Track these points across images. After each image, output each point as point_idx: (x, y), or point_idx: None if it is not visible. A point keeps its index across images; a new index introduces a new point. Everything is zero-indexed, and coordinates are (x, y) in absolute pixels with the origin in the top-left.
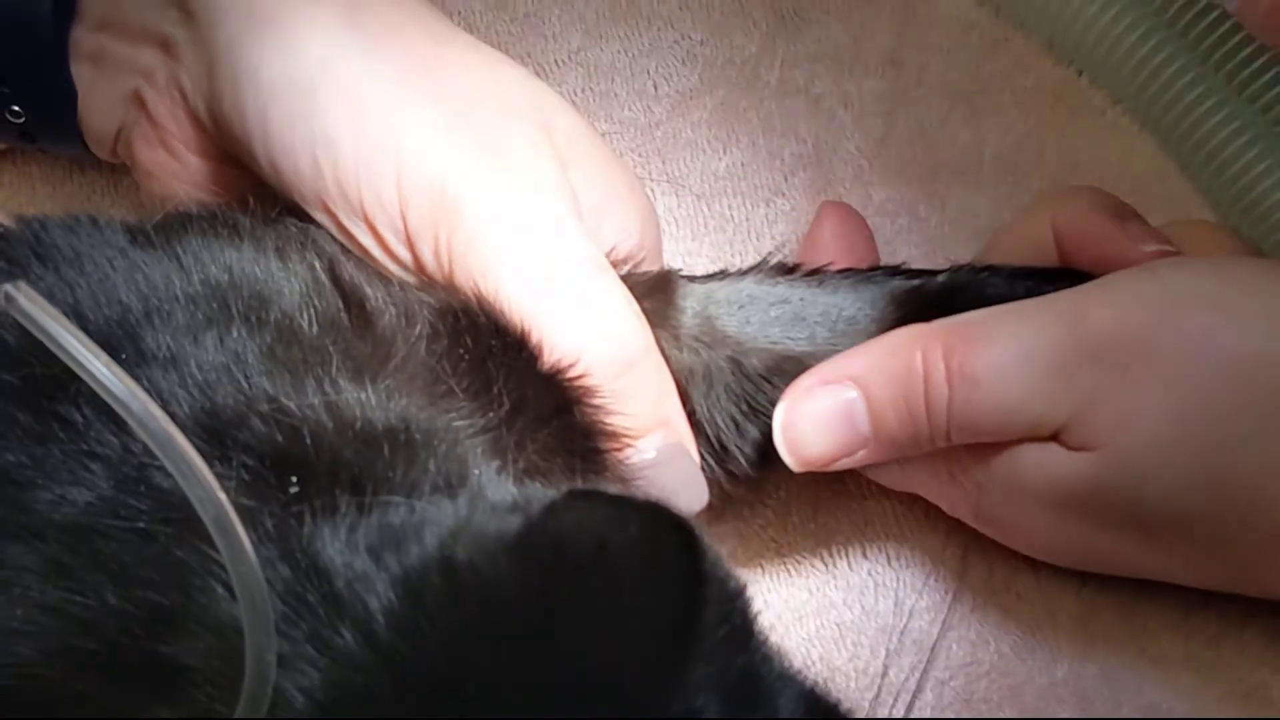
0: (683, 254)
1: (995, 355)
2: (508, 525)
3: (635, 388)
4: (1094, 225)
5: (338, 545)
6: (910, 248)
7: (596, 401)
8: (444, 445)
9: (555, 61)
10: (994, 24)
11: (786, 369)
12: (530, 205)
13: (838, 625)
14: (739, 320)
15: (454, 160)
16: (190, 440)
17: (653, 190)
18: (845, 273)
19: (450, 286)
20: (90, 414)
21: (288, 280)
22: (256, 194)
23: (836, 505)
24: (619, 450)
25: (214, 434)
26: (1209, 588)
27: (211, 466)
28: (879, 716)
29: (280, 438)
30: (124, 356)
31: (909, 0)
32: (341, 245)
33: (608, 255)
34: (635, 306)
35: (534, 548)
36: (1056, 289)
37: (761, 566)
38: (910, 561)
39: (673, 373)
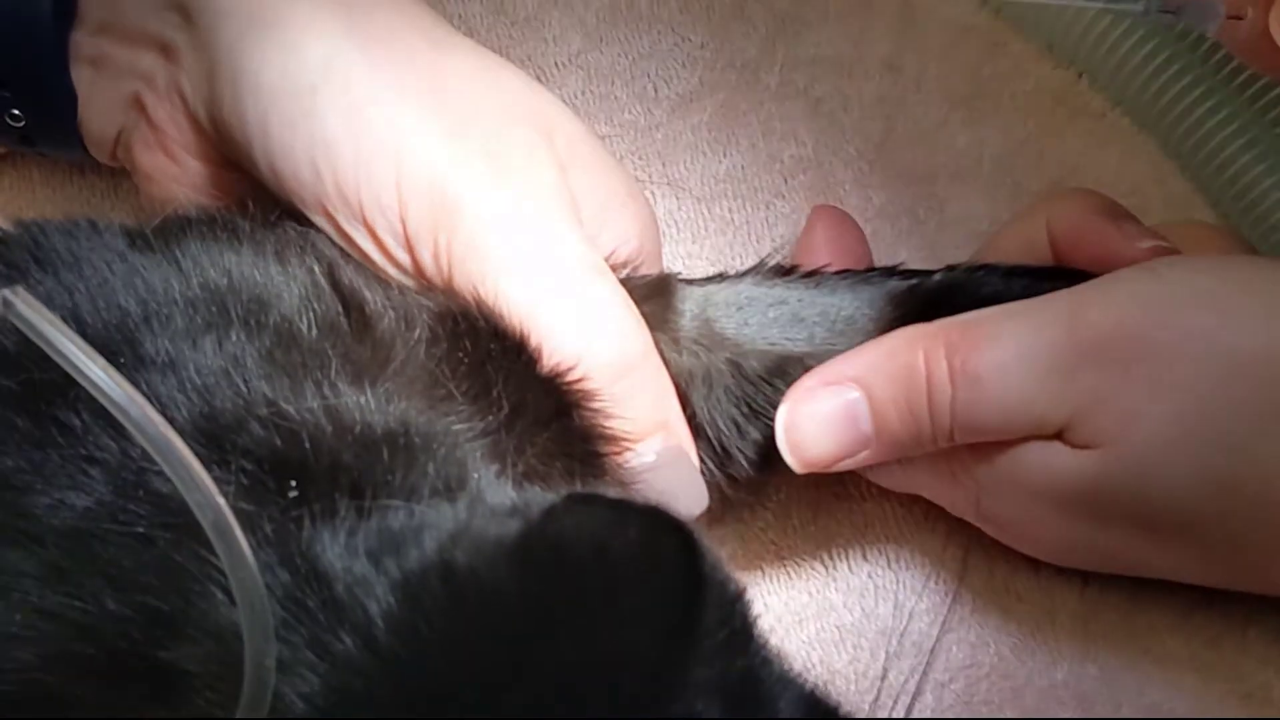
0: (683, 257)
1: (998, 354)
2: (507, 529)
3: (635, 391)
4: (1089, 225)
5: (337, 549)
6: (909, 250)
7: (596, 405)
8: (443, 449)
9: (555, 64)
10: (993, 27)
11: (786, 370)
12: (530, 209)
13: (838, 628)
14: (737, 322)
15: (454, 164)
16: (189, 445)
17: (653, 193)
18: (842, 273)
19: (449, 290)
20: (89, 419)
21: (287, 284)
22: (256, 198)
23: (836, 508)
24: (618, 454)
25: (213, 438)
26: (1213, 585)
27: (210, 471)
28: (879, 718)
29: (279, 442)
30: (122, 361)
31: (908, 4)
32: (341, 249)
33: (607, 259)
34: (634, 310)
35: (533, 552)
36: (1053, 287)
37: (761, 569)
38: (910, 564)
39: (672, 376)
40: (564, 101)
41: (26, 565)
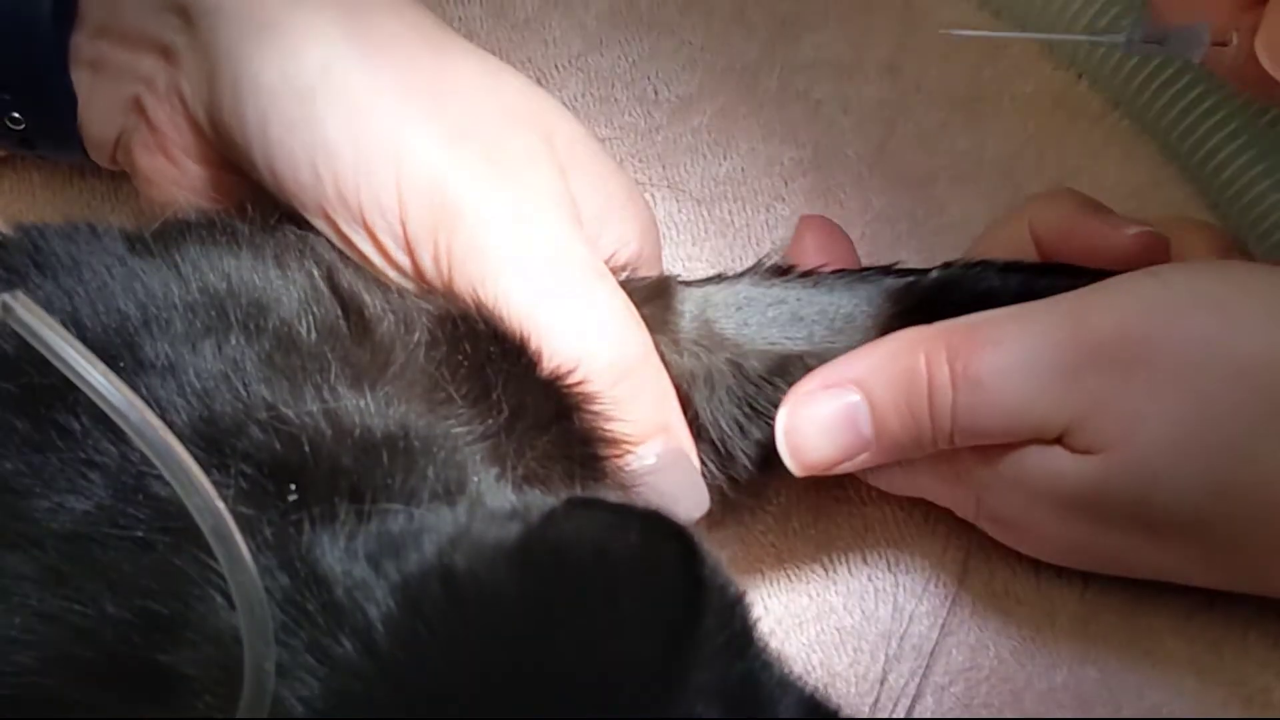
0: (683, 259)
1: (999, 358)
2: (507, 533)
3: (635, 393)
4: (1073, 221)
5: (337, 553)
6: (909, 253)
7: (596, 408)
8: (443, 452)
9: (555, 67)
10: (992, 29)
11: (787, 369)
12: (530, 212)
13: (838, 630)
14: (737, 322)
15: (454, 167)
16: (188, 449)
17: (653, 196)
18: (839, 272)
19: (449, 293)
20: (88, 422)
21: (286, 288)
22: (256, 201)
23: (837, 511)
24: (619, 457)
25: (212, 442)
26: (1215, 587)
27: (210, 475)
28: None
29: (279, 445)
30: (122, 365)
31: (908, 6)
32: (340, 252)
33: (607, 262)
34: (634, 312)
35: (533, 555)
36: (1049, 282)
37: (762, 572)
38: (910, 567)
39: (673, 378)
40: (564, 104)
41: (26, 569)
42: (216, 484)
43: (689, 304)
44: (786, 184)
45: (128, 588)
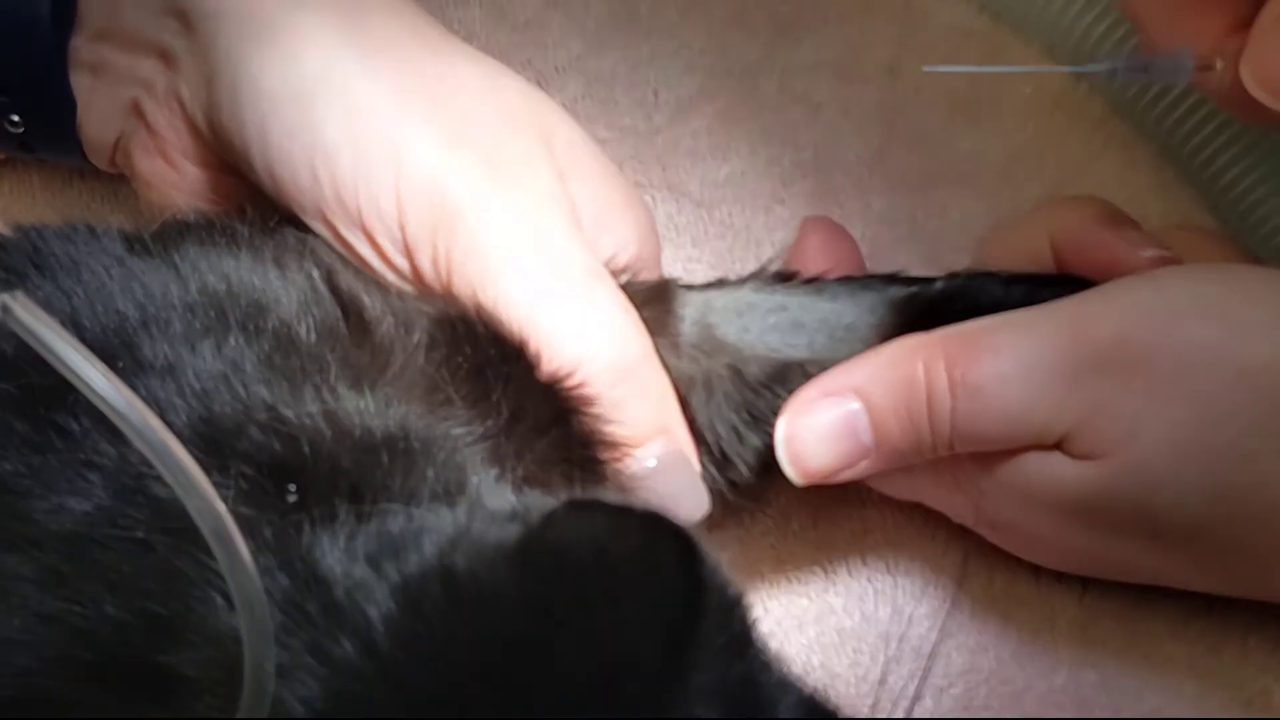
0: (683, 261)
1: (998, 365)
2: (507, 534)
3: (635, 395)
4: (1091, 234)
5: (337, 554)
6: (909, 256)
7: (595, 410)
8: (443, 453)
9: (555, 69)
10: (993, 32)
11: (786, 376)
12: (529, 215)
13: (837, 632)
14: (738, 328)
15: (453, 170)
16: (188, 450)
17: (653, 198)
18: (843, 280)
19: (448, 296)
20: (88, 423)
21: (285, 289)
22: (255, 204)
23: (836, 513)
24: (618, 460)
25: (212, 443)
26: (1214, 592)
27: (209, 476)
28: None
29: (278, 446)
30: (121, 365)
31: (908, 8)
32: (340, 254)
33: (606, 265)
34: (634, 315)
35: (533, 556)
36: (1053, 295)
37: (761, 573)
38: (910, 569)
39: (673, 381)
40: (564, 106)
41: (25, 570)
42: (216, 485)
43: (690, 308)
44: (786, 186)
45: (127, 589)
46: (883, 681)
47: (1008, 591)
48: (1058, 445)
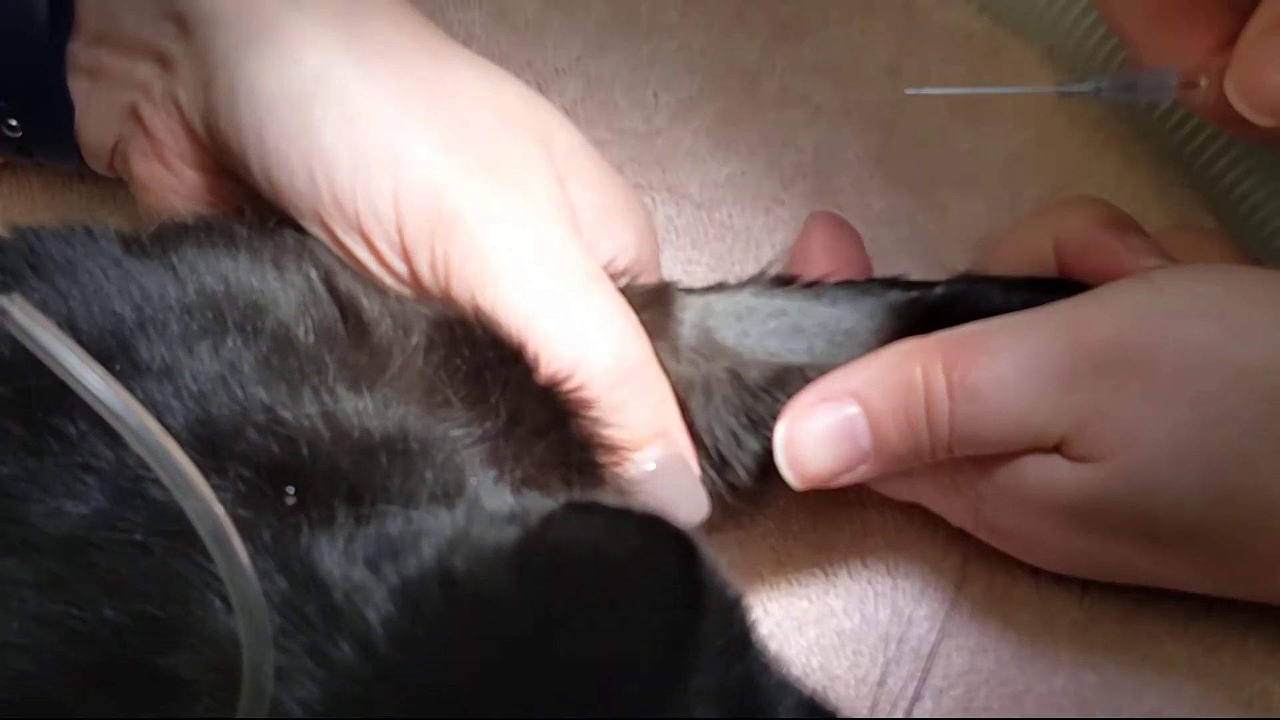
0: (682, 262)
1: (996, 368)
2: (506, 536)
3: (633, 398)
4: (1095, 239)
5: (335, 556)
6: (909, 257)
7: (594, 414)
8: (441, 455)
9: (555, 70)
10: (993, 33)
11: (785, 381)
12: (527, 219)
13: (837, 633)
14: (737, 332)
15: (451, 174)
16: (186, 452)
17: (653, 199)
18: (842, 284)
19: (447, 299)
20: (85, 426)
21: (284, 290)
22: (253, 208)
23: (836, 514)
24: (617, 463)
25: (210, 445)
26: (1214, 593)
27: (207, 478)
28: None
29: (276, 448)
30: (118, 368)
31: (908, 9)
32: (338, 257)
33: (605, 268)
34: (633, 318)
35: (532, 558)
36: (1054, 300)
37: (761, 575)
38: (909, 570)
39: (672, 385)
40: (564, 108)
41: (23, 573)
42: (214, 487)
43: (689, 312)
44: (786, 187)
45: (126, 592)
46: (882, 683)
47: (1008, 593)
48: (1056, 448)
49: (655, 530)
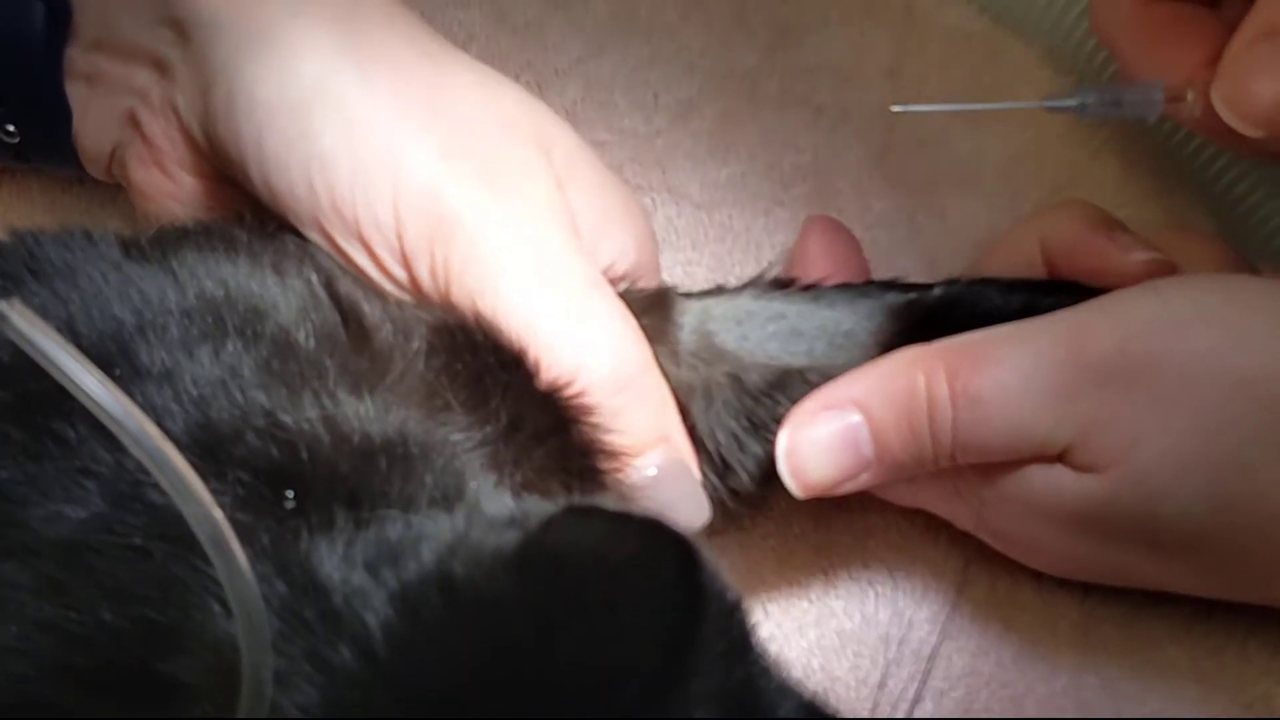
0: (682, 264)
1: (999, 377)
2: (505, 540)
3: (634, 404)
4: (1082, 239)
5: (335, 560)
6: (909, 258)
7: (594, 420)
8: (441, 459)
9: (555, 72)
10: (993, 34)
11: (786, 384)
12: (527, 224)
13: (838, 635)
14: (737, 336)
15: (451, 180)
16: (185, 456)
17: (652, 200)
18: (840, 287)
19: (447, 305)
20: (84, 430)
21: (284, 295)
22: (252, 214)
23: (837, 516)
24: (618, 469)
25: (209, 449)
26: (1218, 598)
27: (207, 482)
28: None
29: (276, 452)
30: (118, 372)
31: (908, 11)
32: (338, 262)
33: (605, 273)
34: (633, 323)
35: (532, 562)
36: (1052, 302)
37: (762, 577)
38: (910, 572)
39: (672, 389)
40: (564, 109)
41: (22, 577)
42: (213, 491)
43: (689, 316)
44: (786, 189)
45: (125, 596)
46: (883, 685)
47: (1009, 595)
48: (1059, 457)
49: (655, 534)
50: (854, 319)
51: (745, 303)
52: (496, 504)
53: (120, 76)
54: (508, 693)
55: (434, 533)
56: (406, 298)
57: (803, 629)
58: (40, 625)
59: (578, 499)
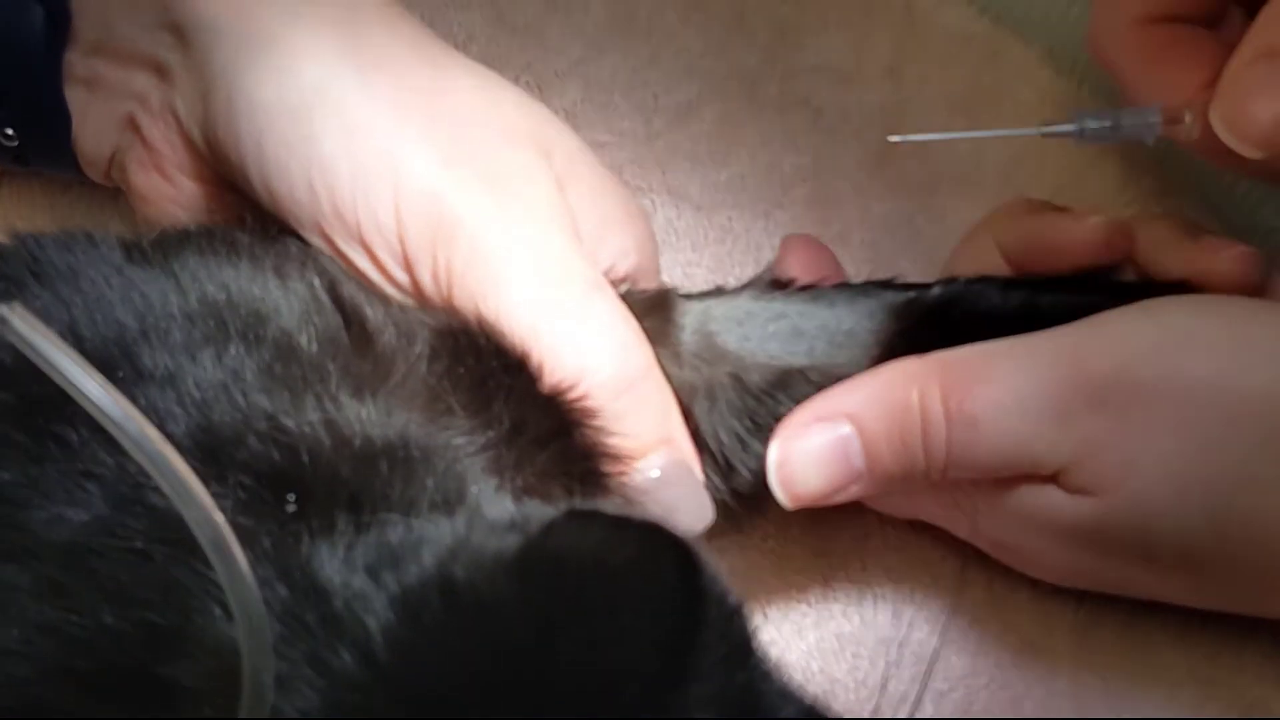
0: (682, 265)
1: (994, 397)
2: (506, 544)
3: (637, 406)
4: (1029, 229)
5: (336, 564)
6: (910, 260)
7: (597, 423)
8: (443, 463)
9: (555, 73)
10: (993, 35)
11: (788, 383)
12: (529, 227)
13: (837, 637)
14: (738, 336)
15: (451, 183)
16: (187, 459)
17: (652, 202)
18: (839, 286)
19: (450, 309)
20: (86, 434)
21: (286, 298)
22: (253, 217)
23: (836, 518)
24: (621, 473)
25: (211, 453)
26: (1211, 609)
27: (208, 486)
28: None
29: (277, 456)
30: (120, 375)
31: (908, 12)
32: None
33: (606, 275)
34: (635, 325)
35: (533, 566)
36: (1053, 299)
37: (761, 580)
38: (910, 574)
39: (674, 391)
40: (563, 110)
41: (23, 580)
42: (214, 495)
43: (689, 317)
44: (786, 191)
45: (126, 599)
46: (883, 687)
47: (1007, 597)
48: (1053, 477)
49: (655, 538)
50: (854, 318)
51: (746, 303)
52: (497, 508)
53: (120, 81)
54: (508, 696)
55: (435, 536)
56: (408, 301)
57: (802, 632)
58: (41, 628)
59: (579, 503)
